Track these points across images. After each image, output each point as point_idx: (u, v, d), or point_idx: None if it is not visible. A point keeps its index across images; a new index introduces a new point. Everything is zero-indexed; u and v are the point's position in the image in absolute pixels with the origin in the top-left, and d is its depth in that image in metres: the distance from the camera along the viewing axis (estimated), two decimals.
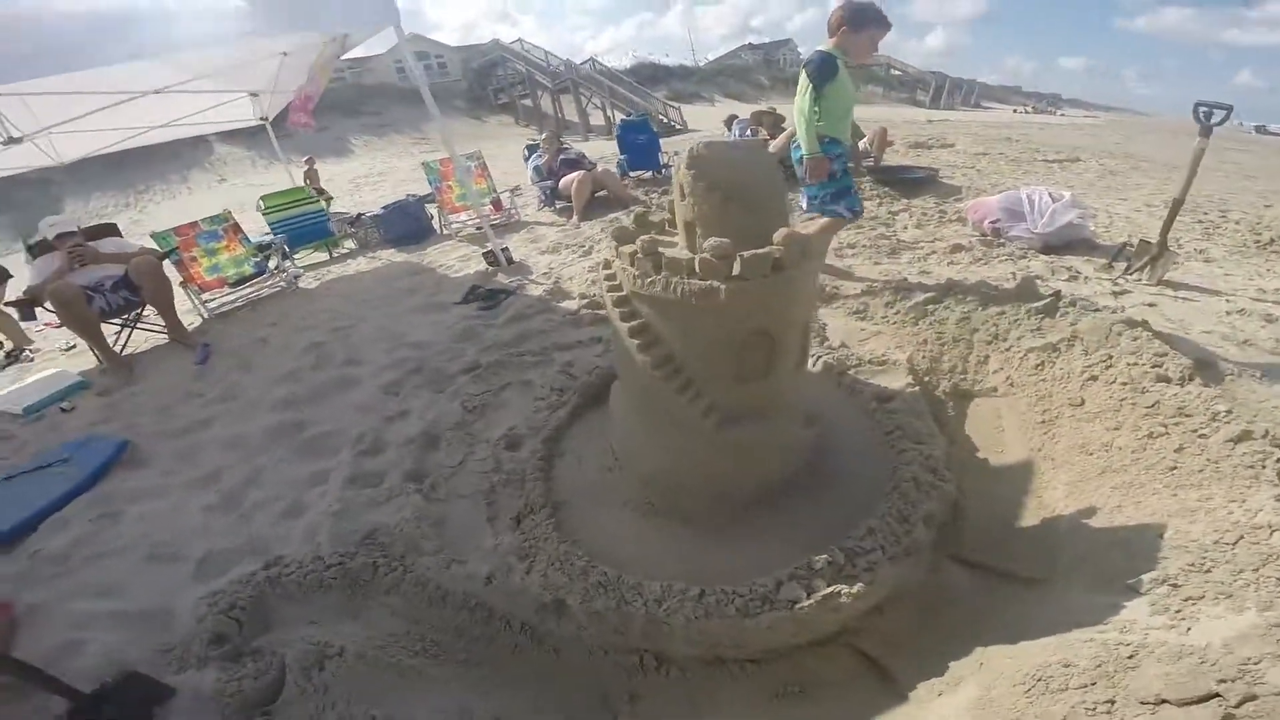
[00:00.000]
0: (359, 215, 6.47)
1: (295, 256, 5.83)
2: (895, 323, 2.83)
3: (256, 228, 6.32)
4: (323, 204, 6.45)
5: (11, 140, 4.27)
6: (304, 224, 6.15)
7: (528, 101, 24.13)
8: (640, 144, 7.18)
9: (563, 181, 6.01)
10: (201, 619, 1.64)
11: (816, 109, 2.74)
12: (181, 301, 4.49)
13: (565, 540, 1.76)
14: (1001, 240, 3.85)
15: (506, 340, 3.31)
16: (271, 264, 5.29)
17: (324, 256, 6.02)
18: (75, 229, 4.36)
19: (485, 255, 4.70)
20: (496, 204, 6.22)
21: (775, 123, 6.22)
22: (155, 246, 4.80)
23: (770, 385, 1.69)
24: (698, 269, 1.49)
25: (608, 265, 1.76)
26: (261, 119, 6.83)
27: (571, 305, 3.67)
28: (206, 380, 3.53)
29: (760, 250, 1.47)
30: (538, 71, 22.63)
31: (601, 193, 6.05)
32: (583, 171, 5.92)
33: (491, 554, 1.76)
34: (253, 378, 3.45)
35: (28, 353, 4.78)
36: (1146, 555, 1.47)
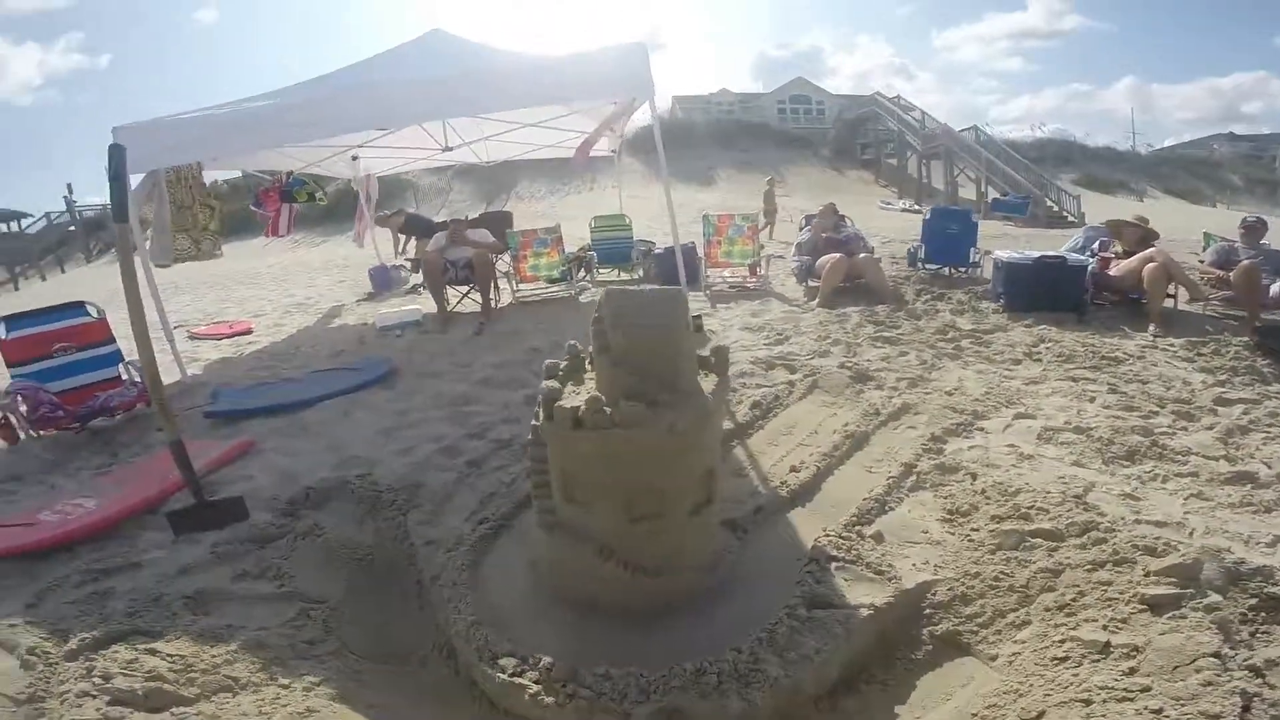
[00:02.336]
0: (649, 249, 7.68)
1: (601, 273, 7.37)
2: None
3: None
4: (632, 232, 7.87)
5: (447, 149, 6.58)
6: (615, 246, 7.67)
7: (894, 161, 23.52)
8: (951, 234, 6.64)
9: (820, 260, 6.08)
10: (305, 489, 2.71)
11: None
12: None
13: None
14: None
15: None
16: (574, 274, 6.82)
17: (624, 276, 7.38)
18: (464, 217, 6.49)
19: None
20: (753, 269, 6.66)
21: (1142, 238, 5.13)
22: (507, 243, 6.75)
23: (663, 526, 1.80)
24: (582, 419, 1.69)
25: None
26: (612, 151, 8.71)
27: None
28: (469, 347, 4.97)
29: (635, 406, 1.63)
30: (909, 131, 21.81)
31: (862, 280, 5.92)
32: (841, 256, 5.90)
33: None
34: (491, 355, 4.71)
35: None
36: None
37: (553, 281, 6.79)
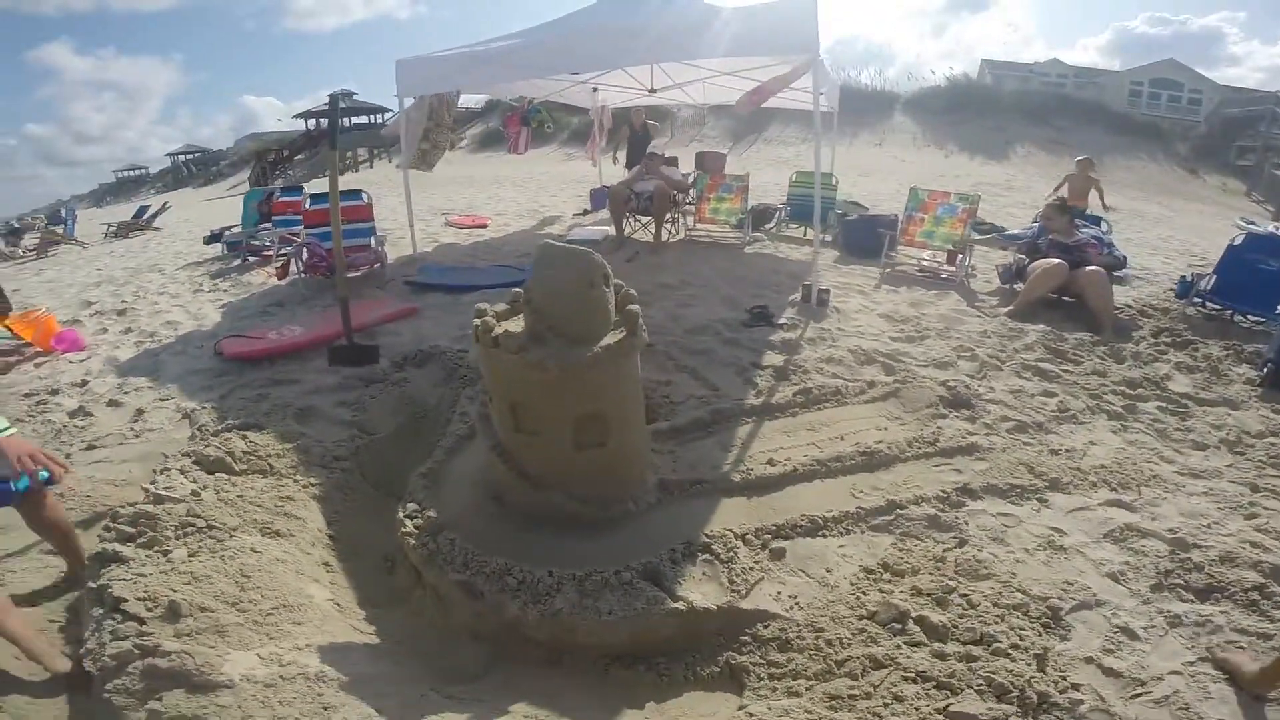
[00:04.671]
0: (843, 214, 7.02)
1: (790, 228, 7.12)
2: None
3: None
4: (835, 193, 7.27)
5: (652, 90, 6.81)
6: (810, 204, 7.22)
7: None
8: (1266, 271, 4.78)
9: (1033, 264, 4.94)
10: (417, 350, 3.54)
11: None
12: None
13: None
14: None
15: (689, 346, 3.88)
16: (750, 225, 6.72)
17: (808, 235, 7.01)
18: (661, 154, 6.79)
19: (804, 287, 4.78)
20: (951, 256, 5.68)
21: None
22: (695, 183, 6.90)
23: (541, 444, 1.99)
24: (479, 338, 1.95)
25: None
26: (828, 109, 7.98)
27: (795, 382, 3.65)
28: (615, 269, 5.43)
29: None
30: None
31: (1079, 298, 4.68)
32: (1059, 263, 4.71)
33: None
34: (624, 280, 5.11)
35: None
36: None
37: (736, 227, 6.78)
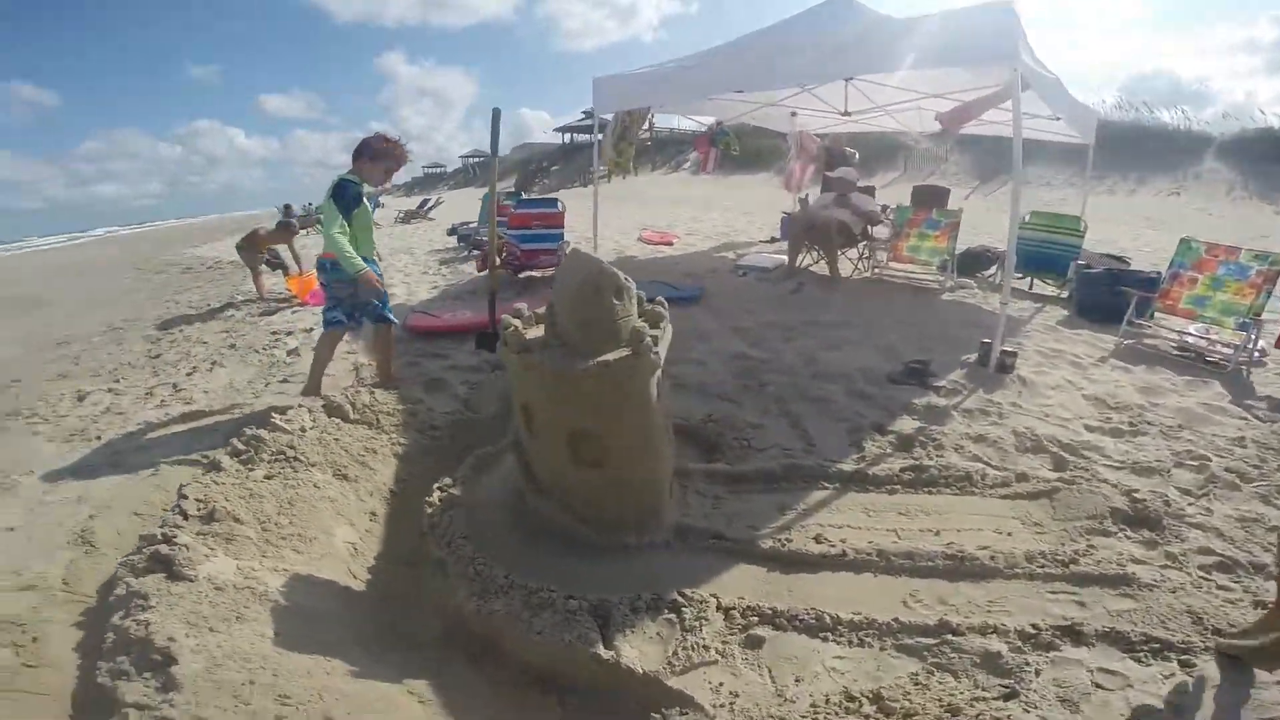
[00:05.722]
0: (1086, 265, 5.57)
1: (1017, 277, 5.95)
2: None
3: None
4: (1080, 240, 5.86)
5: (845, 114, 6.24)
6: (1045, 251, 5.94)
7: None
8: None
9: None
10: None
11: None
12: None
13: None
14: None
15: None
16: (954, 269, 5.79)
17: (1051, 291, 5.77)
18: (854, 181, 6.27)
19: (982, 345, 3.86)
20: (1244, 333, 4.12)
21: None
22: (894, 218, 6.21)
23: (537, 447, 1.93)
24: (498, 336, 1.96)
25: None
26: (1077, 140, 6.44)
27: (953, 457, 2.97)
28: (773, 300, 5.21)
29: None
30: None
31: None
32: None
33: None
34: (779, 313, 4.86)
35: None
36: None
37: (940, 269, 5.88)
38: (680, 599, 1.75)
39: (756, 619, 1.72)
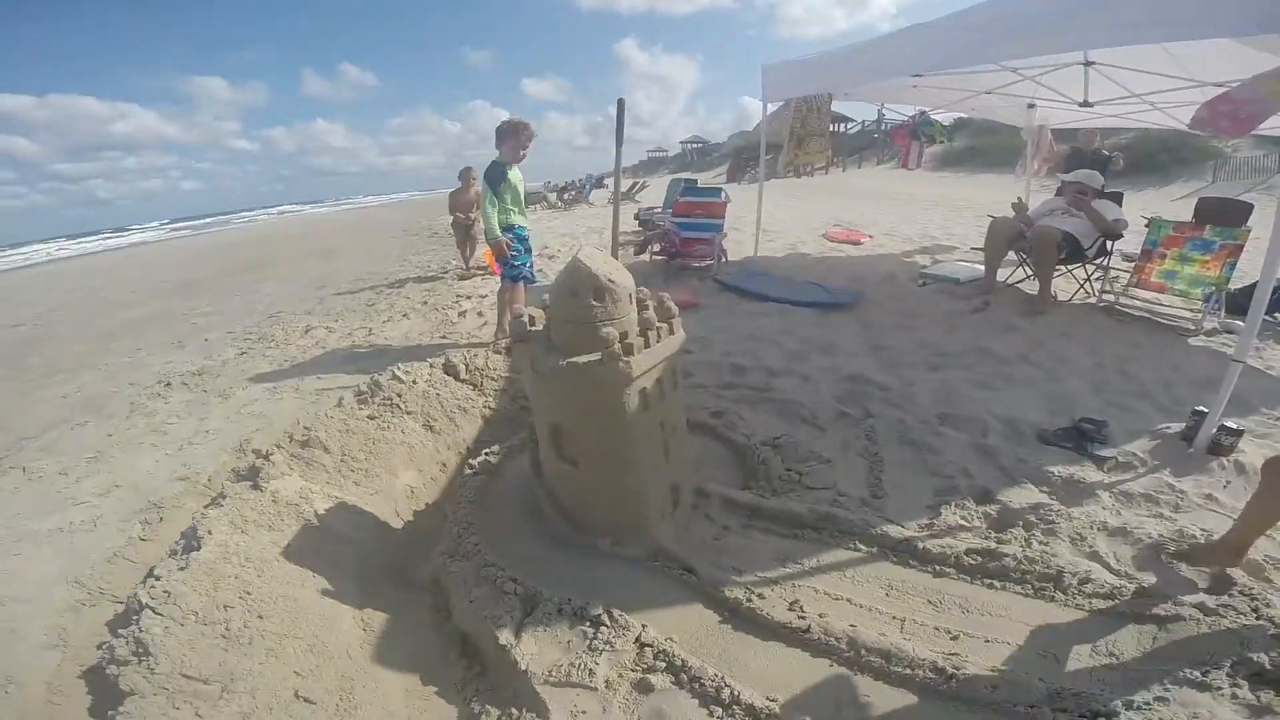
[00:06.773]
0: None
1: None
2: None
3: None
4: None
5: (1085, 104, 4.84)
6: None
7: None
8: None
9: None
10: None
11: None
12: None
13: None
14: None
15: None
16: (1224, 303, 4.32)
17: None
18: (1098, 186, 4.97)
19: (1192, 415, 2.78)
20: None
21: None
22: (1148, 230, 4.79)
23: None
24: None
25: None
26: None
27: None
28: (943, 317, 4.60)
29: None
30: None
31: None
32: None
33: None
34: (940, 333, 4.31)
35: None
36: None
37: (1205, 302, 4.44)
38: (605, 617, 1.77)
39: (664, 665, 1.65)
